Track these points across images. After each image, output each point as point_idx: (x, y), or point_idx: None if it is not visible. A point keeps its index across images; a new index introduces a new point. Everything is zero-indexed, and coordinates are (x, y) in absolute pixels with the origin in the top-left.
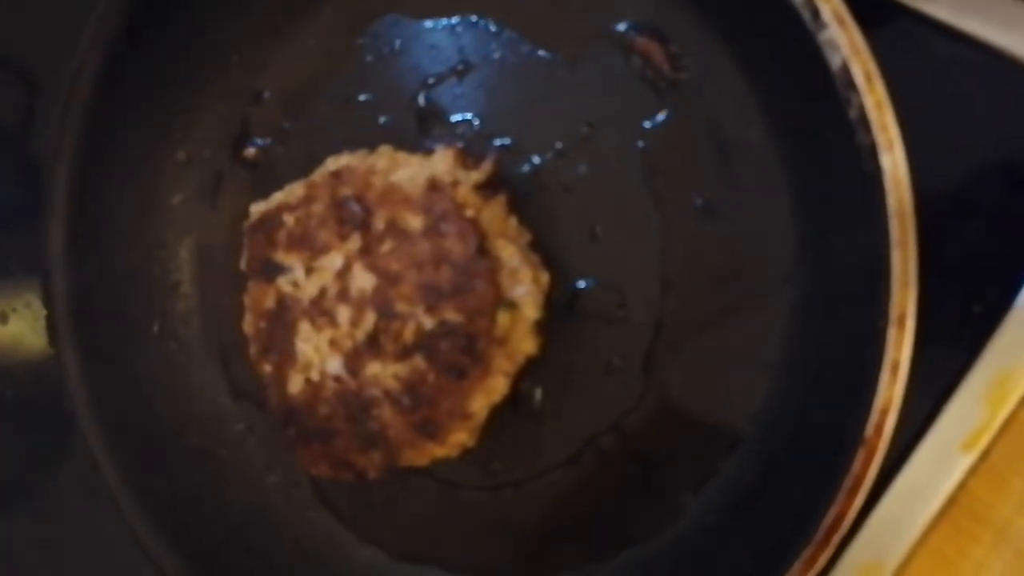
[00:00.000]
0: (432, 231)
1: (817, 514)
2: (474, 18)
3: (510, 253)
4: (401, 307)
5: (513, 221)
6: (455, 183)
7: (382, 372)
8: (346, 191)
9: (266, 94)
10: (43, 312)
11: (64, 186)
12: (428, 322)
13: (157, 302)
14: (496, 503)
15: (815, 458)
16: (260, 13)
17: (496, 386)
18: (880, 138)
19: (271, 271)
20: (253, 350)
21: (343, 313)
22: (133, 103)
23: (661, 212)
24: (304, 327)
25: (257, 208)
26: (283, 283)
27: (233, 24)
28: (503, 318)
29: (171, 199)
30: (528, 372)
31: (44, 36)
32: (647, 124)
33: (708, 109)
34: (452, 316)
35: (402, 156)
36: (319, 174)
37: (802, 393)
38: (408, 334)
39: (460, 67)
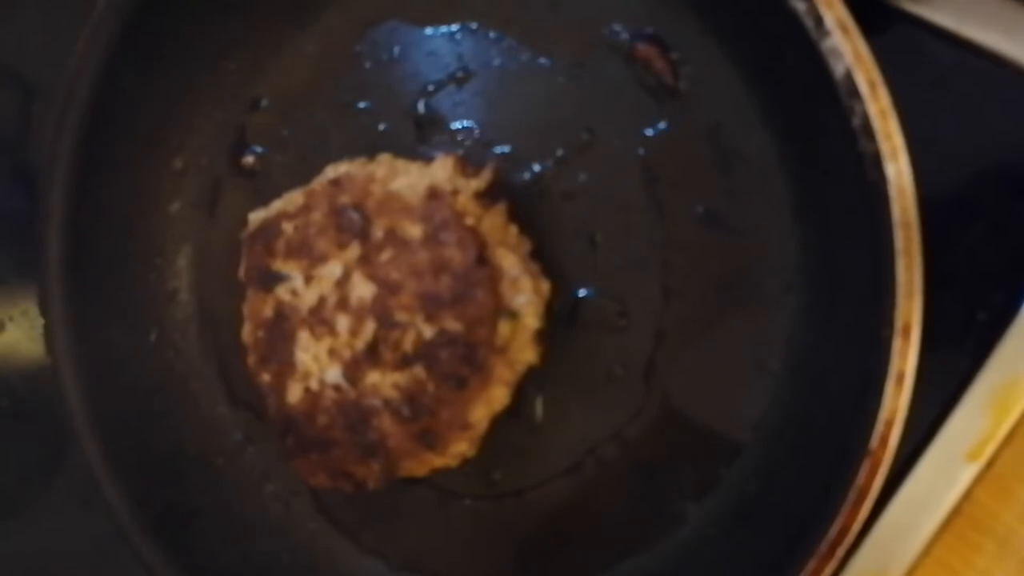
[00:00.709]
0: (432, 240)
1: (821, 526)
2: (474, 25)
3: (510, 262)
4: (401, 316)
5: (513, 229)
6: (455, 191)
7: (381, 381)
8: (345, 199)
9: (264, 101)
10: (40, 320)
11: (61, 194)
12: (428, 331)
13: (155, 310)
14: (497, 513)
15: (818, 468)
16: (258, 19)
17: (497, 395)
18: (884, 146)
19: (270, 280)
20: (252, 359)
21: (342, 322)
22: (130, 110)
23: (662, 220)
24: (303, 336)
25: (256, 216)
26: (282, 292)
27: (230, 30)
28: (504, 327)
29: (169, 207)
30: (529, 381)
31: (41, 43)
32: (648, 131)
33: (709, 116)
34: (452, 325)
35: (401, 164)
36: (318, 182)
37: (805, 402)
38: (408, 343)
39: (460, 74)
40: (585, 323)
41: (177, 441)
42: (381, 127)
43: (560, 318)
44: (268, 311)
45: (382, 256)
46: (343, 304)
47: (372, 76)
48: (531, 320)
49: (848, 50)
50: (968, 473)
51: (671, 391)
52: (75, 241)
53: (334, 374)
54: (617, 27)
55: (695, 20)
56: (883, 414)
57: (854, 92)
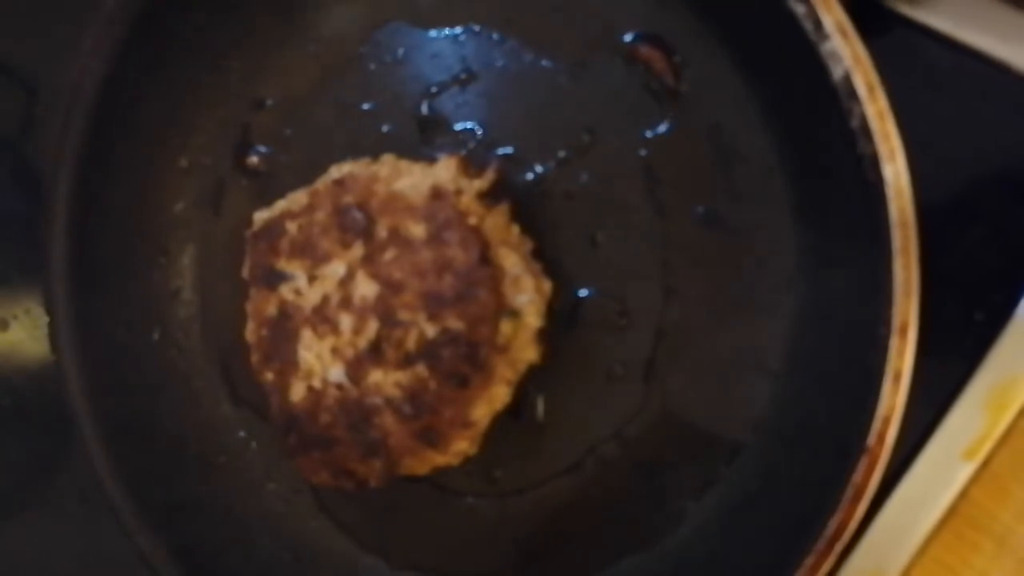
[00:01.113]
0: (435, 239)
1: (819, 523)
2: (477, 27)
3: (512, 261)
4: (403, 315)
5: (515, 229)
6: (458, 192)
7: (384, 380)
8: (349, 199)
9: (268, 101)
10: (43, 319)
11: (66, 193)
12: (430, 330)
13: (158, 309)
14: (498, 511)
15: (817, 466)
16: (262, 20)
17: (498, 394)
18: (882, 148)
19: (273, 279)
20: (255, 358)
21: (345, 321)
22: (135, 110)
23: (663, 220)
24: (306, 335)
25: (260, 216)
26: (285, 291)
27: (235, 31)
28: (505, 326)
29: (173, 206)
30: (530, 380)
31: (45, 44)
32: (649, 133)
33: (710, 118)
34: (454, 324)
35: (405, 164)
36: (322, 182)
37: (804, 401)
38: (410, 342)
39: (463, 76)
40: (586, 323)
41: (180, 439)
42: (385, 128)
43: (561, 318)
44: (271, 310)
45: (385, 255)
46: (346, 303)
47: (376, 77)
48: (533, 319)
49: (847, 53)
50: (965, 472)
51: (671, 390)
52: (79, 240)
53: (337, 373)
54: (619, 29)
55: (696, 22)
56: (880, 412)
57: (852, 94)
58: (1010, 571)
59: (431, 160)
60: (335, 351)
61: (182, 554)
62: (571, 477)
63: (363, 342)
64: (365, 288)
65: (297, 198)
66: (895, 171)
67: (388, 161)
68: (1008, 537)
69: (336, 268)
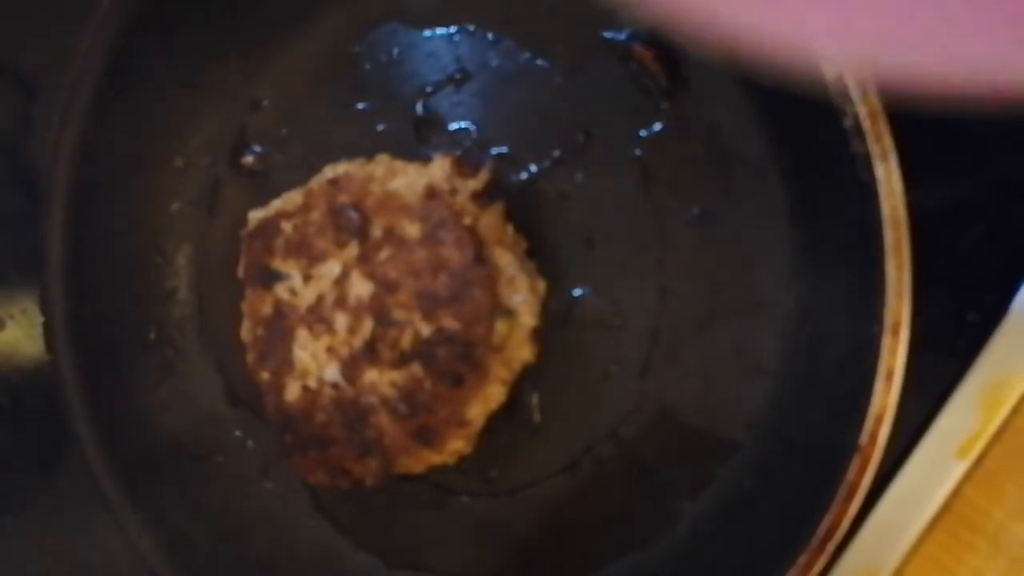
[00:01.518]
0: (430, 239)
1: (812, 521)
2: (472, 27)
3: (507, 261)
4: (399, 314)
5: (510, 229)
6: (453, 191)
7: (379, 379)
8: (344, 199)
9: (264, 102)
10: (39, 319)
11: (62, 193)
12: (425, 330)
13: (154, 309)
14: (493, 511)
15: (811, 465)
16: (259, 20)
17: (493, 394)
18: (874, 148)
19: (269, 278)
20: (251, 357)
21: (341, 320)
22: (131, 110)
23: (658, 220)
24: (302, 334)
25: (255, 215)
26: (281, 290)
27: (232, 31)
28: (500, 326)
29: (169, 206)
30: (525, 380)
31: (42, 43)
32: (644, 133)
33: (705, 118)
34: (449, 324)
35: (400, 164)
36: (317, 182)
37: (798, 400)
38: (405, 341)
39: (458, 76)
40: (581, 322)
41: (176, 439)
42: (380, 128)
43: (556, 317)
44: (267, 309)
45: (380, 255)
46: (341, 302)
47: (371, 77)
48: (527, 319)
49: None
50: (958, 470)
51: (667, 390)
52: (76, 240)
53: (332, 372)
54: (614, 29)
55: None
56: (872, 411)
57: (845, 95)
58: (1004, 569)
59: (426, 160)
60: (330, 350)
61: (178, 552)
62: (567, 477)
63: (358, 341)
64: (360, 287)
65: (292, 198)
66: (887, 171)
67: (383, 161)
68: (1002, 535)
69: (331, 268)
